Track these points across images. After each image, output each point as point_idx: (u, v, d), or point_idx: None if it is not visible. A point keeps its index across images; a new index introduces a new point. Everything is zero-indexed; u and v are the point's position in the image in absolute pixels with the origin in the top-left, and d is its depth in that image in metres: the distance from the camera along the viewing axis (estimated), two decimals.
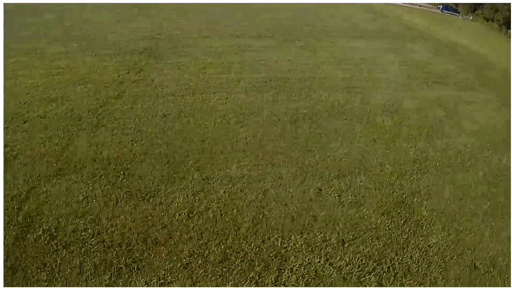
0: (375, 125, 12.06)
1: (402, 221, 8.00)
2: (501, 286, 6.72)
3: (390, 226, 7.82)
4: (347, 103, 13.29)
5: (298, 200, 8.12)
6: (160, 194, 7.87)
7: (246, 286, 6.26)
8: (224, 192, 8.11)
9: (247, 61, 16.37)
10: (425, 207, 8.50)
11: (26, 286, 5.89)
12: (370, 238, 7.45)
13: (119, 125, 10.44)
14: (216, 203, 7.79)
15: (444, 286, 6.70)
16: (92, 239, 6.76)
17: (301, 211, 7.86)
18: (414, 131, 12.00)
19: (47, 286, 5.95)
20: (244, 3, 31.08)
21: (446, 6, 72.77)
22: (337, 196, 8.42)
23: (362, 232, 7.55)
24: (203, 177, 8.46)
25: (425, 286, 6.70)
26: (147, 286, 6.13)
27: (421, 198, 8.77)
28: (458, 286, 6.65)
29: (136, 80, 13.64)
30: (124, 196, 7.76)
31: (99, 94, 12.30)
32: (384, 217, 8.03)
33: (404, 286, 6.61)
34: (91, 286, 6.05)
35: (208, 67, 15.30)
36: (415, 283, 6.69)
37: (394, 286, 6.64)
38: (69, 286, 6.00)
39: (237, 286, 6.26)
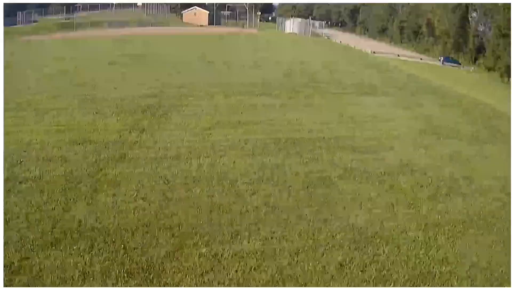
0: (392, 187, 11.41)
1: None
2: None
3: None
4: (360, 164, 12.71)
5: (318, 279, 7.32)
6: (165, 274, 7.10)
7: None
8: (236, 271, 7.36)
9: (253, 121, 16.01)
10: (456, 277, 7.66)
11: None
12: None
13: (120, 192, 9.78)
14: (228, 285, 7.03)
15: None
16: None
17: None
18: (432, 191, 11.35)
19: None
20: (244, 58, 31.52)
21: (447, 58, 74.02)
22: (361, 271, 7.65)
23: None
24: (212, 254, 7.73)
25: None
26: None
27: (449, 267, 7.92)
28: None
29: (138, 141, 13.17)
30: (125, 275, 6.98)
31: (99, 155, 11.76)
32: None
33: None
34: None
35: (214, 127, 14.90)
36: None
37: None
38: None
39: None
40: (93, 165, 11.14)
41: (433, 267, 7.89)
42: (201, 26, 74.13)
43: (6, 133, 12.68)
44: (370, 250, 8.27)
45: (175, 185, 10.37)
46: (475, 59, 75.63)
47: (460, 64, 74.35)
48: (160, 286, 6.82)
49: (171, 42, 47.41)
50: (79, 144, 12.55)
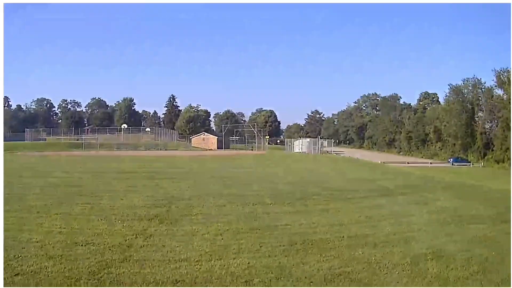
0: (421, 274, 10.64)
1: None
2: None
3: None
4: (384, 257, 11.99)
5: None
6: None
7: None
8: None
9: (267, 226, 15.51)
10: None
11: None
12: None
13: None
14: None
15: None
16: None
17: None
18: (463, 272, 10.73)
19: None
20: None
21: (456, 158, 74.46)
22: None
23: None
24: None
25: None
26: None
27: None
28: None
29: (145, 245, 12.52)
30: None
31: (102, 256, 11.11)
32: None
33: None
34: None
35: (225, 232, 14.33)
36: None
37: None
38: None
39: None
40: (95, 265, 10.48)
41: None
42: (210, 150, 76.07)
43: (6, 230, 12.43)
44: None
45: (183, 286, 9.67)
46: (484, 155, 75.97)
47: (469, 162, 74.50)
48: None
49: (183, 161, 48.39)
50: (82, 245, 12.01)
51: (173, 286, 9.64)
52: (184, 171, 32.67)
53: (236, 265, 11.21)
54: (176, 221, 15.83)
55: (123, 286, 9.38)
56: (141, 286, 9.47)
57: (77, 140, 69.81)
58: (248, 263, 11.40)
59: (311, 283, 10.01)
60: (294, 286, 9.90)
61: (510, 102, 67.21)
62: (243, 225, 15.65)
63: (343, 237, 14.25)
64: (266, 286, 9.79)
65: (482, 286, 9.68)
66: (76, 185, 22.91)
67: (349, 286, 9.88)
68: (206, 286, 9.75)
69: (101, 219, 15.27)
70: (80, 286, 9.23)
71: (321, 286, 9.86)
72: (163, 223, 15.31)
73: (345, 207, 19.58)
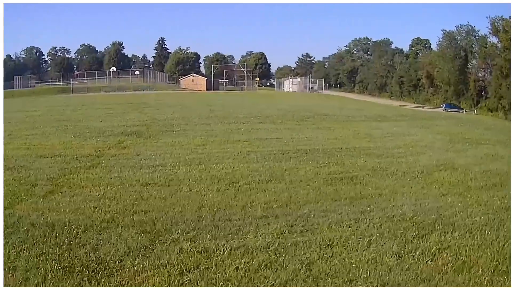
0: (436, 181, 9.03)
1: None
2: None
3: None
4: (390, 166, 10.31)
5: (369, 273, 4.72)
6: (121, 272, 4.53)
7: None
8: (237, 269, 4.76)
9: (256, 139, 13.70)
10: None
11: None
12: None
13: (82, 192, 7.39)
14: (222, 285, 4.43)
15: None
16: None
17: (382, 286, 4.47)
18: (484, 181, 9.18)
19: None
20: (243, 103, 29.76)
21: (448, 104, 73.00)
22: (430, 260, 5.05)
23: None
24: (199, 250, 5.16)
25: None
26: None
27: None
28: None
29: (117, 154, 10.83)
30: (60, 272, 4.47)
31: (67, 165, 9.43)
32: (506, 279, 4.63)
33: None
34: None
35: (209, 144, 12.54)
36: None
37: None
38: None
39: None
40: (57, 172, 8.76)
41: None
42: (199, 91, 73.64)
43: None
44: (435, 237, 5.76)
45: (154, 187, 7.88)
46: (477, 103, 74.69)
47: (462, 109, 73.32)
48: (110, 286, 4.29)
49: (170, 95, 46.07)
50: (47, 157, 10.24)
51: (143, 187, 7.95)
52: (171, 103, 30.22)
53: (218, 170, 9.47)
54: (156, 135, 13.98)
55: (82, 187, 7.71)
56: (104, 188, 7.73)
57: (66, 85, 66.74)
58: (233, 167, 9.65)
59: (308, 186, 8.25)
60: (288, 187, 8.12)
61: (504, 50, 65.08)
62: (229, 138, 13.84)
63: (341, 148, 12.58)
64: (251, 188, 7.98)
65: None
66: (56, 115, 20.48)
67: (352, 189, 8.08)
68: (181, 186, 8.01)
69: (74, 136, 13.33)
70: (35, 189, 7.52)
71: (318, 188, 8.07)
72: (141, 137, 13.45)
73: (340, 127, 17.85)
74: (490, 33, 76.55)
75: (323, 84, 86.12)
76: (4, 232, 5.35)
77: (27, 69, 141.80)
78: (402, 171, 9.82)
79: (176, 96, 45.86)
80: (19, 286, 4.23)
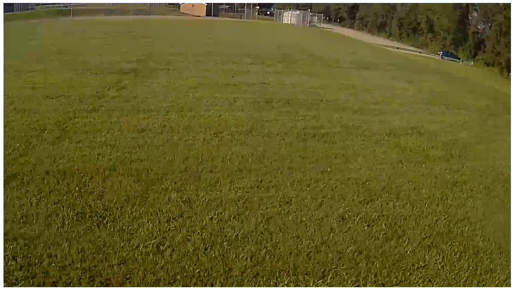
0: (398, 146, 9.99)
1: (456, 256, 5.67)
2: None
3: (442, 263, 5.48)
4: (363, 124, 11.30)
5: (314, 231, 5.82)
6: (122, 219, 5.63)
7: None
8: (212, 219, 5.84)
9: (244, 83, 14.49)
10: (480, 237, 6.21)
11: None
12: (419, 279, 5.12)
13: (86, 138, 8.36)
14: (199, 233, 5.49)
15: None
16: (20, 272, 4.46)
17: (320, 245, 5.55)
18: (444, 152, 9.97)
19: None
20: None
21: (446, 52, 72.71)
22: (367, 226, 6.14)
23: (408, 273, 5.21)
24: (184, 199, 6.23)
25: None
26: None
27: (472, 227, 6.49)
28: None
29: (116, 96, 11.71)
30: (74, 217, 5.54)
31: (71, 107, 10.31)
32: (432, 251, 5.72)
33: None
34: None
35: (200, 87, 13.38)
36: None
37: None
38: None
39: None
40: (62, 115, 9.64)
41: (452, 227, 6.46)
42: (198, 16, 72.05)
43: None
44: (378, 205, 6.83)
45: (149, 134, 8.90)
46: (475, 55, 74.55)
47: (459, 58, 73.11)
48: (114, 231, 5.36)
49: (169, 23, 45.53)
50: (52, 98, 11.04)
51: (139, 133, 8.91)
52: (168, 35, 30.09)
53: (206, 117, 10.48)
54: (152, 73, 14.90)
55: (86, 133, 8.66)
56: (105, 133, 8.69)
57: (66, 7, 63.99)
58: (219, 116, 10.60)
59: (282, 140, 9.24)
60: (264, 140, 9.09)
61: (505, 8, 63.82)
62: (219, 80, 14.65)
63: (321, 100, 13.53)
64: (233, 140, 9.03)
65: None
66: (57, 46, 20.54)
67: (321, 148, 9.06)
68: (172, 134, 9.04)
69: (76, 74, 13.98)
70: (44, 134, 8.36)
71: (291, 144, 9.08)
72: (138, 76, 14.35)
73: (327, 74, 18.67)
74: None
75: (323, 18, 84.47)
76: (22, 180, 6.35)
77: None
78: (372, 131, 10.79)
79: (175, 24, 45.27)
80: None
